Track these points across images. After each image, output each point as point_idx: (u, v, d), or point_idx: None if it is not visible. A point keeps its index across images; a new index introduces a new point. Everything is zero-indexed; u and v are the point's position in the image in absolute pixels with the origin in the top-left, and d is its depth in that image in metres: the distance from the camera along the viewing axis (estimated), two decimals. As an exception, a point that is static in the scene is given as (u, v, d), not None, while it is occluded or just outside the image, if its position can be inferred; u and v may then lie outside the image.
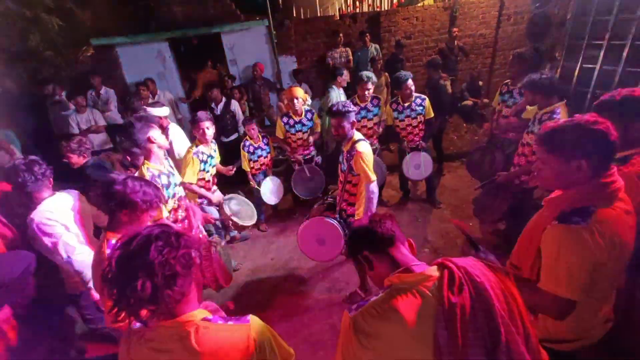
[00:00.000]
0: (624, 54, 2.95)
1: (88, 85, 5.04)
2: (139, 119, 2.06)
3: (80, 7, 5.26)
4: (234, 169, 3.29)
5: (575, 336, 1.25)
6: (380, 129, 3.68)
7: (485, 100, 6.00)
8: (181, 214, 2.27)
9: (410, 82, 3.40)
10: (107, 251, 1.46)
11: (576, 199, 1.15)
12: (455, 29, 5.86)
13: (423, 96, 3.53)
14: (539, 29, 3.76)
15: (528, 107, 2.85)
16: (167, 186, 2.16)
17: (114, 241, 1.51)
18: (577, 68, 3.38)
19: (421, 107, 3.50)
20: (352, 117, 2.42)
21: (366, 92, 3.43)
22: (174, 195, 2.22)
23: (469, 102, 6.16)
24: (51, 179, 1.93)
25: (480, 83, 6.60)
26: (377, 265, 1.01)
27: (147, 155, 2.12)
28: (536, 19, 3.77)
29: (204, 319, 0.94)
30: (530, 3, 5.26)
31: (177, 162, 3.03)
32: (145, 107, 3.07)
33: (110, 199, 1.48)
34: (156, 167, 2.13)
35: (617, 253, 1.11)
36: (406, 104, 3.50)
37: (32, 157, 1.90)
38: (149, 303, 0.85)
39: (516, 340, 0.79)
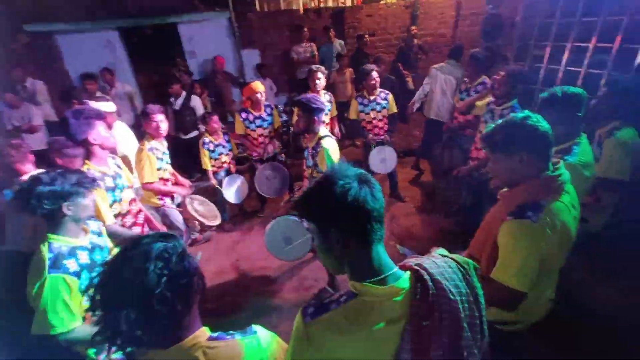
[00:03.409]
0: (565, 55, 3.20)
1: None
2: (76, 114, 1.82)
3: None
4: (193, 188, 3.02)
5: (521, 317, 1.32)
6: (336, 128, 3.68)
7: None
8: (130, 220, 2.08)
9: (375, 73, 3.43)
10: (49, 255, 1.34)
11: (528, 193, 1.21)
12: (413, 28, 6.02)
13: (387, 91, 3.58)
14: (492, 30, 3.97)
15: (477, 103, 3.00)
16: (113, 189, 1.97)
17: (57, 244, 1.37)
18: (526, 67, 3.62)
19: (385, 101, 3.55)
20: (322, 115, 2.39)
21: (316, 82, 3.40)
22: (120, 200, 2.02)
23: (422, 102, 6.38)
24: None
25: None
26: (347, 256, 0.80)
27: (88, 155, 1.91)
28: (489, 19, 3.97)
29: (210, 339, 0.85)
30: (485, 4, 5.55)
31: (123, 162, 2.80)
32: (86, 101, 2.78)
33: (42, 200, 1.34)
34: (98, 169, 1.92)
35: (564, 244, 1.19)
36: (372, 98, 3.52)
37: None
38: (135, 330, 0.74)
39: (474, 353, 0.77)
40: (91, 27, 5.08)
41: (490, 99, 2.85)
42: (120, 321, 0.71)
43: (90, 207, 1.52)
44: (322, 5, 6.35)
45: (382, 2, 6.88)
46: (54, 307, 1.29)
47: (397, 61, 6.08)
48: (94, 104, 2.75)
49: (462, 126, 3.41)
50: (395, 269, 0.81)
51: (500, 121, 1.27)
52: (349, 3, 6.52)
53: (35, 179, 1.38)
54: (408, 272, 0.81)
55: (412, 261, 0.84)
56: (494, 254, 1.24)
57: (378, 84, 3.49)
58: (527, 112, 1.23)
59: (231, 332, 0.89)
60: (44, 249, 1.36)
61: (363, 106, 3.58)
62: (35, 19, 4.78)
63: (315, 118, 2.35)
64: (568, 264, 1.33)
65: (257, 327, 0.93)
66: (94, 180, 1.57)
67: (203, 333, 0.86)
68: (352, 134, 4.87)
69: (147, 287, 0.73)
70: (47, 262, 1.31)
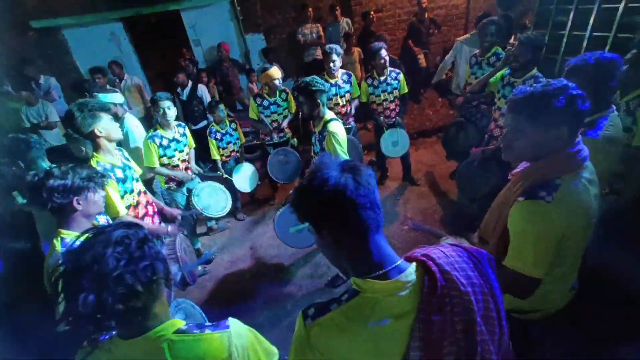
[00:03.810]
0: (591, 20, 2.93)
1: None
2: (81, 107, 1.81)
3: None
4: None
5: (540, 306, 1.25)
6: (352, 109, 3.49)
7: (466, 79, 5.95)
8: (141, 210, 2.10)
9: (383, 51, 3.26)
10: (62, 250, 1.36)
11: (544, 171, 1.10)
12: (424, 0, 5.68)
13: (397, 70, 3.42)
14: (509, -3, 3.69)
15: (491, 79, 2.81)
16: (123, 180, 1.98)
17: (69, 239, 1.39)
18: (547, 35, 3.35)
19: (396, 82, 3.40)
20: (324, 97, 2.30)
21: (331, 65, 3.25)
22: (132, 191, 2.03)
23: (443, 76, 6.11)
24: None
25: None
26: (343, 252, 0.76)
27: (95, 148, 1.92)
28: (505, -15, 3.69)
29: (178, 332, 0.83)
30: (501, -30, 5.16)
31: (133, 154, 2.82)
32: (95, 93, 2.79)
33: (53, 193, 1.36)
34: (107, 160, 1.93)
35: (583, 224, 1.09)
36: (382, 78, 3.37)
37: None
38: (97, 318, 0.74)
39: (490, 351, 0.71)
40: (95, 20, 5.04)
41: (505, 71, 2.66)
42: (80, 305, 0.71)
43: (100, 203, 1.54)
44: (327, -19, 6.07)
45: (390, -26, 6.52)
46: None
47: (408, 38, 5.80)
48: (104, 96, 2.77)
49: (477, 102, 3.23)
50: (399, 261, 0.75)
51: (537, 86, 1.08)
52: (355, -22, 6.21)
53: (47, 173, 1.39)
54: (414, 264, 0.75)
55: (418, 251, 0.78)
56: (504, 237, 1.16)
57: (388, 63, 3.33)
58: (564, 81, 1.08)
59: (205, 324, 0.88)
60: (57, 243, 1.38)
61: (373, 88, 3.44)
62: (40, 15, 4.78)
63: (317, 101, 2.27)
64: (595, 247, 1.24)
65: (231, 321, 0.89)
66: (103, 176, 1.57)
67: (172, 325, 0.84)
68: (362, 116, 4.72)
69: (105, 270, 0.73)
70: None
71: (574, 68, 1.60)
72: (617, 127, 1.56)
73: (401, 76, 3.40)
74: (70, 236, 1.41)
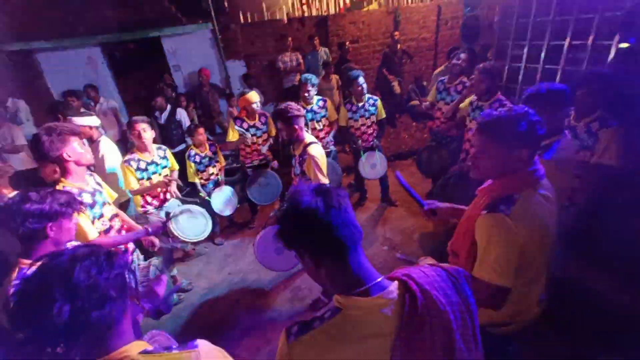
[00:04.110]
0: (542, 54, 3.27)
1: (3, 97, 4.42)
2: (49, 131, 1.77)
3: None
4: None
5: (511, 319, 1.31)
6: (330, 137, 3.63)
7: (428, 98, 6.33)
8: (114, 235, 2.02)
9: (361, 79, 3.42)
10: (15, 282, 1.26)
11: (505, 187, 1.21)
12: (396, 33, 6.12)
13: (375, 97, 3.57)
14: (471, 32, 4.05)
15: (461, 105, 3.06)
16: (92, 205, 1.91)
17: (29, 271, 1.30)
18: (507, 66, 3.68)
19: (374, 108, 3.54)
20: (301, 121, 2.37)
21: (306, 94, 3.39)
22: (101, 216, 1.96)
23: (416, 102, 6.46)
24: None
25: (425, 83, 6.97)
26: (323, 272, 0.78)
27: (63, 172, 1.85)
28: (468, 22, 4.05)
29: (143, 352, 0.80)
30: (463, 8, 5.68)
31: (109, 178, 2.75)
32: (70, 117, 2.74)
33: (27, 218, 1.29)
34: (74, 185, 1.87)
35: (540, 236, 1.18)
36: (360, 104, 3.51)
37: None
38: (69, 333, 0.71)
39: None
40: (72, 44, 5.02)
41: (473, 97, 2.91)
42: (55, 315, 0.70)
43: (72, 231, 1.47)
44: (305, 14, 6.42)
45: (364, 9, 7.00)
46: None
47: (382, 66, 6.16)
48: (78, 120, 2.71)
49: (448, 128, 3.44)
50: (380, 278, 0.77)
51: (502, 110, 1.20)
52: (332, 11, 6.61)
53: (24, 197, 1.32)
54: (396, 282, 0.77)
55: (399, 271, 0.81)
56: (473, 250, 1.23)
57: (365, 90, 3.50)
58: (524, 108, 1.19)
59: (172, 346, 0.86)
60: (14, 275, 1.29)
61: (352, 113, 3.56)
62: (14, 38, 4.70)
63: (295, 126, 2.34)
64: (561, 260, 1.33)
65: (200, 341, 0.88)
66: (82, 202, 1.52)
67: (136, 346, 0.82)
68: (341, 140, 4.87)
69: (78, 280, 0.74)
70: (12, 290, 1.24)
71: (529, 96, 1.78)
72: (569, 150, 1.73)
73: (379, 102, 3.56)
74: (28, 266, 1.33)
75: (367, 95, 3.52)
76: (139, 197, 2.82)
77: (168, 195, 2.92)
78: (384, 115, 3.62)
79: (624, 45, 2.53)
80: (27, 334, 0.72)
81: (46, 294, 0.72)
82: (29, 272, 1.35)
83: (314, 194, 0.77)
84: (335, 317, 0.74)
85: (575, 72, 2.97)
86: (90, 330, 0.75)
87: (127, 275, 0.84)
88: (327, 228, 0.73)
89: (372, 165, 3.63)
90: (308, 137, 2.48)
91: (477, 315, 0.79)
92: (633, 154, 2.11)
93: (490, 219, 1.15)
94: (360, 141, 3.63)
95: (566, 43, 3.02)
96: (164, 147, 2.96)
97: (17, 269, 1.30)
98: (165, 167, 2.88)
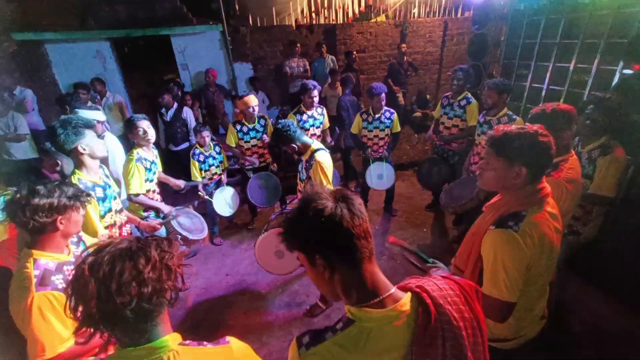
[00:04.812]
0: (548, 75, 3.34)
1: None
2: (64, 123, 1.78)
3: (5, -3, 4.61)
4: (185, 188, 3.00)
5: (514, 334, 1.32)
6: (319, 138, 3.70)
7: (433, 113, 6.41)
8: (116, 231, 2.02)
9: (383, 95, 3.42)
10: (35, 272, 1.27)
11: (512, 204, 1.23)
12: (403, 45, 6.21)
13: (392, 110, 3.59)
14: (477, 49, 4.13)
15: (434, 112, 3.18)
16: (103, 199, 1.91)
17: (43, 261, 1.31)
18: (512, 84, 3.75)
19: (389, 121, 3.56)
20: (297, 131, 2.42)
21: (313, 99, 3.44)
22: (109, 210, 1.96)
23: (418, 114, 6.54)
24: None
25: (428, 97, 7.07)
26: (337, 280, 0.76)
27: (78, 164, 1.86)
28: (475, 39, 4.14)
29: (181, 344, 0.83)
30: (470, 25, 5.78)
31: (113, 174, 2.74)
32: (76, 110, 2.74)
33: (37, 212, 1.28)
34: (89, 178, 1.87)
35: (546, 254, 1.20)
36: (376, 116, 3.54)
37: None
38: (118, 321, 0.74)
39: None
40: (82, 37, 5.04)
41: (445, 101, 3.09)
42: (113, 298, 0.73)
43: (80, 223, 1.47)
44: (314, 22, 6.50)
45: (372, 20, 7.11)
46: (45, 327, 1.21)
47: (388, 77, 6.25)
48: (84, 112, 2.72)
49: (448, 140, 3.48)
50: (393, 289, 0.76)
51: (514, 128, 1.22)
52: (340, 20, 6.71)
53: (32, 191, 1.31)
54: (409, 294, 0.76)
55: (412, 282, 0.80)
56: (478, 265, 1.25)
57: (384, 105, 3.49)
58: (540, 127, 1.21)
59: (204, 342, 0.89)
60: (29, 265, 1.28)
61: (367, 123, 3.59)
62: (25, 28, 4.72)
63: (296, 141, 2.39)
64: (562, 278, 1.35)
65: (230, 338, 0.91)
66: (89, 194, 1.51)
67: (174, 337, 0.84)
68: (352, 146, 4.92)
69: (148, 258, 0.78)
70: (34, 280, 1.24)
71: (535, 115, 1.81)
72: (576, 170, 1.75)
73: (395, 116, 3.57)
74: (44, 257, 1.33)
75: (385, 109, 3.54)
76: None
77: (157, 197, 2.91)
78: (399, 129, 3.66)
79: (628, 71, 2.60)
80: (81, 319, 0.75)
81: (100, 287, 0.73)
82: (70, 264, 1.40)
83: (335, 199, 0.75)
84: (348, 328, 0.72)
85: (580, 95, 3.03)
86: (138, 320, 0.77)
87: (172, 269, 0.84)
88: (350, 236, 0.71)
89: (379, 175, 3.66)
90: (315, 143, 2.50)
91: (485, 329, 0.80)
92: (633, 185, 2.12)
93: (499, 235, 1.17)
94: (369, 150, 3.65)
95: (571, 66, 3.09)
96: (154, 146, 2.90)
97: (30, 259, 1.29)
98: (157, 165, 2.85)
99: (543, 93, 3.40)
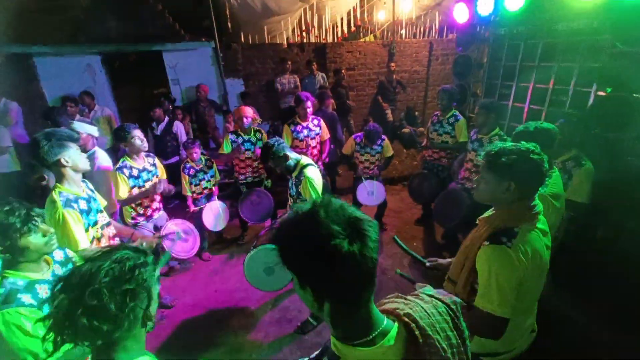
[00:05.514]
0: (528, 94, 3.51)
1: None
2: (48, 136, 1.76)
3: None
4: (173, 190, 3.00)
5: (505, 348, 1.34)
6: (320, 152, 3.77)
7: (420, 129, 6.60)
8: (104, 243, 1.97)
9: (383, 136, 3.64)
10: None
11: (504, 219, 1.27)
12: (392, 64, 6.43)
13: (383, 137, 3.70)
14: (462, 69, 4.32)
15: (460, 139, 3.29)
16: (87, 212, 1.88)
17: (12, 279, 1.29)
18: (499, 104, 3.92)
19: (380, 147, 3.68)
20: (286, 148, 2.48)
21: (306, 111, 3.51)
22: (95, 223, 1.92)
23: (406, 130, 6.70)
24: None
25: (416, 113, 7.28)
26: (326, 311, 0.68)
27: (59, 178, 1.83)
28: (459, 60, 4.33)
29: None
30: (455, 46, 6.05)
31: (103, 188, 2.69)
32: (72, 121, 2.72)
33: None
34: (71, 191, 1.84)
35: (537, 269, 1.24)
36: (370, 145, 3.67)
37: None
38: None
39: None
40: (71, 51, 5.03)
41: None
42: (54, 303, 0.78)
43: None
44: (305, 40, 6.68)
45: (361, 40, 7.36)
46: (16, 343, 1.20)
47: (378, 94, 6.42)
48: (79, 125, 2.70)
49: (438, 146, 3.61)
50: (384, 323, 0.71)
51: (509, 144, 1.27)
52: (330, 39, 6.91)
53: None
54: (396, 326, 0.72)
55: (400, 307, 0.75)
56: (472, 278, 1.27)
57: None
58: (532, 144, 1.24)
59: None
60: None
61: (360, 147, 3.72)
62: (14, 40, 4.68)
63: (287, 160, 2.44)
64: (547, 291, 1.39)
65: None
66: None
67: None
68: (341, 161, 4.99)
69: (86, 280, 0.79)
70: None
71: (518, 134, 1.90)
72: (559, 185, 1.84)
73: (385, 142, 3.70)
74: (14, 276, 1.31)
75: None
76: (129, 209, 2.77)
77: (155, 205, 2.89)
78: (391, 153, 3.76)
79: (602, 93, 2.76)
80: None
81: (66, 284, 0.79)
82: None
83: (351, 232, 0.61)
84: None
85: (558, 114, 3.19)
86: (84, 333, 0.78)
87: (139, 293, 0.86)
88: (355, 283, 0.63)
89: (370, 192, 3.72)
90: (304, 159, 2.53)
91: (469, 348, 0.79)
92: (601, 193, 2.29)
93: (493, 251, 1.20)
94: (360, 167, 3.75)
95: (550, 87, 3.26)
96: (152, 154, 2.95)
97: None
98: (155, 174, 2.86)
99: (524, 113, 3.56)
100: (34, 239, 1.33)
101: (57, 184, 1.83)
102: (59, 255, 1.54)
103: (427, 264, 1.62)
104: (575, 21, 2.88)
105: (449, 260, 1.61)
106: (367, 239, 0.62)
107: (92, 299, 0.76)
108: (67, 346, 0.77)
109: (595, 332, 2.37)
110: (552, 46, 3.23)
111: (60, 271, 1.46)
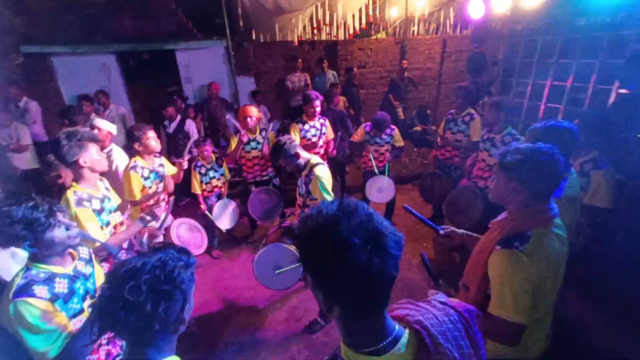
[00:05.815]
0: (545, 92, 3.40)
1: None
2: (70, 136, 1.80)
3: (12, 11, 4.73)
4: (186, 161, 3.01)
5: (520, 354, 1.29)
6: (326, 151, 3.74)
7: (433, 127, 6.47)
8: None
9: (393, 127, 3.60)
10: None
11: (517, 223, 1.22)
12: (404, 62, 6.34)
13: (392, 126, 3.66)
14: (476, 66, 4.22)
15: (474, 138, 3.17)
16: (100, 212, 1.91)
17: (34, 271, 1.32)
18: (509, 101, 3.82)
19: (389, 137, 3.64)
20: (292, 149, 2.46)
21: (315, 110, 3.49)
22: (107, 224, 1.96)
23: (418, 129, 6.60)
24: None
25: (428, 111, 7.15)
26: (336, 315, 0.67)
27: (77, 177, 1.87)
28: (474, 57, 4.23)
29: None
30: (469, 43, 5.92)
31: (120, 187, 2.74)
32: (93, 119, 2.78)
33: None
34: (86, 190, 1.88)
35: (552, 273, 1.19)
36: (379, 135, 3.63)
37: None
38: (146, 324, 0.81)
39: None
40: (88, 50, 5.15)
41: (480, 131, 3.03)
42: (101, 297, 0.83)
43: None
44: (316, 38, 6.65)
45: (373, 37, 7.27)
46: (28, 332, 1.24)
47: (389, 92, 6.34)
48: (101, 122, 2.76)
49: (448, 144, 3.55)
50: (396, 330, 0.70)
51: (524, 144, 1.24)
52: (341, 37, 6.86)
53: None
54: (407, 333, 0.71)
55: (411, 313, 0.74)
56: (485, 284, 1.23)
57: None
58: (548, 147, 1.19)
59: None
60: (20, 273, 1.30)
61: (370, 136, 3.66)
62: (32, 41, 4.83)
63: (297, 158, 2.43)
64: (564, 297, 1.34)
65: None
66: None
67: None
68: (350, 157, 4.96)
69: (130, 275, 0.83)
70: (15, 288, 1.26)
71: (535, 132, 1.82)
72: (575, 188, 1.76)
73: (396, 131, 3.65)
74: (37, 268, 1.33)
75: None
76: (138, 209, 2.80)
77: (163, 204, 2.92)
78: (402, 143, 3.71)
79: (623, 91, 2.65)
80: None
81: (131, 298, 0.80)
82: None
83: (372, 244, 0.59)
84: None
85: (576, 112, 3.08)
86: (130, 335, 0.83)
87: (176, 294, 0.89)
88: (367, 290, 0.61)
89: (379, 189, 3.67)
90: (314, 157, 2.52)
91: (484, 352, 0.77)
92: (622, 198, 2.18)
93: (505, 255, 1.16)
94: (373, 159, 3.69)
95: (568, 84, 3.15)
96: (158, 154, 2.95)
97: (24, 269, 1.31)
98: (163, 175, 2.89)
99: (541, 111, 3.45)
100: (58, 232, 1.36)
101: (74, 183, 1.88)
102: (84, 252, 1.57)
103: (441, 231, 1.60)
104: (596, 16, 2.76)
105: (462, 231, 1.58)
106: (387, 255, 0.60)
107: (131, 293, 0.80)
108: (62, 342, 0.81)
109: (612, 338, 2.29)
110: (571, 42, 3.11)
111: (82, 268, 1.49)
